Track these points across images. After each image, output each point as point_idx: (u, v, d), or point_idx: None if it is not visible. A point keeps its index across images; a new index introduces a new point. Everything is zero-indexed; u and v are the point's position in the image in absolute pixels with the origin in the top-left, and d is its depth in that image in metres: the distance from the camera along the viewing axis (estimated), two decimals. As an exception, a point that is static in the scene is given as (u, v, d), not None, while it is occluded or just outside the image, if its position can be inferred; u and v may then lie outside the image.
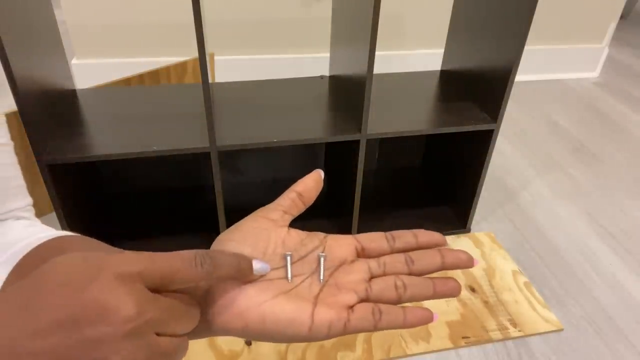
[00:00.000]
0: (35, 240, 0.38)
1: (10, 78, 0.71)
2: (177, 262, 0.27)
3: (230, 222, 0.97)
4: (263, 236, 0.34)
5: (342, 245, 0.35)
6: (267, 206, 0.36)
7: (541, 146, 1.54)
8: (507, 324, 0.93)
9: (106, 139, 0.87)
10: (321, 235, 0.36)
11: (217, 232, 0.98)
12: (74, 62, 1.64)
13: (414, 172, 1.32)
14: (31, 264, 0.36)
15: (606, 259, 1.10)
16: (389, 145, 1.28)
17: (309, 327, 0.30)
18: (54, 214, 0.87)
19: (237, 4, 1.63)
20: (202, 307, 0.31)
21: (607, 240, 1.16)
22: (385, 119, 0.98)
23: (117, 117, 0.95)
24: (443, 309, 0.95)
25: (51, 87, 0.87)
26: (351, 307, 0.32)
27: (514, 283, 1.02)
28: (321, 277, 0.33)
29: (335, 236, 0.36)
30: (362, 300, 0.32)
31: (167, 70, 1.28)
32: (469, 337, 0.90)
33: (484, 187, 1.09)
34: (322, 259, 0.34)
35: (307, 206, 0.37)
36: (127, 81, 1.21)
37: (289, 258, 0.33)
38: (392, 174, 1.31)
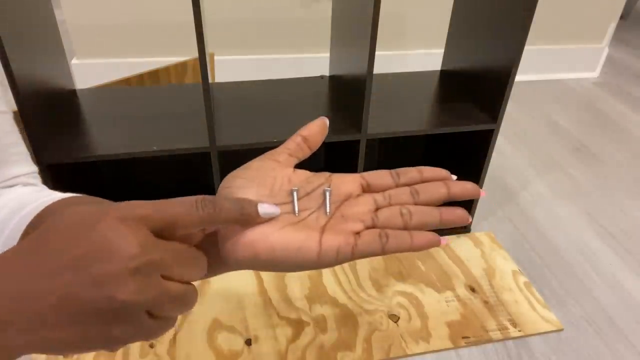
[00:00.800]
0: (42, 204, 0.38)
1: (10, 78, 0.71)
2: (178, 206, 0.28)
3: (230, 222, 0.97)
4: (269, 174, 0.35)
5: (347, 181, 0.36)
6: (273, 150, 0.38)
7: (541, 146, 1.54)
8: (507, 324, 0.93)
9: (106, 139, 0.87)
10: (327, 173, 0.37)
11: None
12: (74, 62, 1.64)
13: (414, 172, 1.32)
14: (40, 225, 0.37)
15: (606, 259, 1.10)
16: (389, 145, 1.28)
17: (318, 252, 0.31)
18: (54, 214, 0.87)
19: (237, 4, 1.63)
20: (213, 244, 0.32)
21: (607, 240, 1.16)
22: (385, 119, 0.98)
23: (117, 117, 0.95)
24: (443, 309, 0.95)
25: (51, 87, 0.87)
26: (358, 233, 0.33)
27: (514, 283, 1.02)
28: (327, 210, 0.34)
29: (340, 174, 0.37)
30: (368, 228, 0.33)
31: (167, 70, 1.28)
32: (469, 337, 0.90)
33: (484, 187, 1.09)
34: (327, 193, 0.35)
35: (312, 151, 0.38)
36: (127, 81, 1.20)
37: (295, 193, 0.34)
38: (392, 174, 1.31)
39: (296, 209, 0.34)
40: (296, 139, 0.38)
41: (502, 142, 1.54)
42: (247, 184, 0.34)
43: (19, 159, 0.44)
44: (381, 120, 0.97)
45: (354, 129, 0.93)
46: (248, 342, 0.87)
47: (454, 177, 0.37)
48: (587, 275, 1.06)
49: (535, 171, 1.41)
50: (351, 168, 1.00)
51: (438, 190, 0.36)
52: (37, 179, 0.46)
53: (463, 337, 0.90)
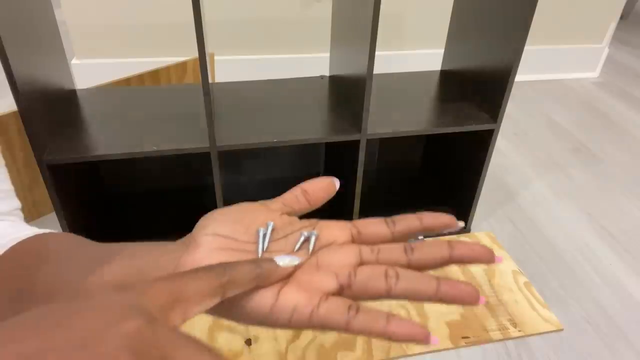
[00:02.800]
0: (12, 241, 0.36)
1: (10, 78, 0.71)
2: (189, 280, 0.24)
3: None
4: (251, 214, 0.32)
5: (334, 227, 0.32)
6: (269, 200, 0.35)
7: (541, 146, 1.54)
8: (507, 324, 0.93)
9: (106, 139, 0.87)
10: (315, 220, 0.33)
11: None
12: (74, 62, 1.64)
13: (414, 172, 1.32)
14: (7, 264, 0.35)
15: (606, 259, 1.10)
16: (389, 145, 1.28)
17: (271, 306, 0.27)
18: (54, 214, 0.87)
19: (237, 4, 1.63)
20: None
21: (607, 240, 1.16)
22: (385, 119, 0.98)
23: (117, 117, 0.95)
24: (443, 309, 0.95)
25: (51, 87, 0.87)
26: (327, 294, 0.28)
27: (514, 283, 1.02)
28: (295, 248, 0.30)
29: (330, 221, 0.33)
30: (342, 286, 0.28)
31: (167, 70, 1.28)
32: (469, 337, 0.90)
33: (484, 187, 1.09)
34: (302, 237, 0.31)
35: (313, 207, 0.35)
36: (127, 81, 1.21)
37: (260, 232, 0.31)
38: (392, 174, 1.31)
39: (259, 250, 0.30)
40: (295, 191, 0.34)
41: (502, 142, 1.54)
42: (224, 219, 0.31)
43: (2, 196, 0.43)
44: (381, 120, 0.97)
45: (354, 129, 0.93)
46: (248, 342, 0.87)
47: (461, 223, 0.31)
48: (587, 275, 1.06)
49: (535, 171, 1.41)
50: (351, 168, 1.00)
51: (438, 250, 0.29)
52: (17, 216, 0.44)
53: (463, 337, 0.90)
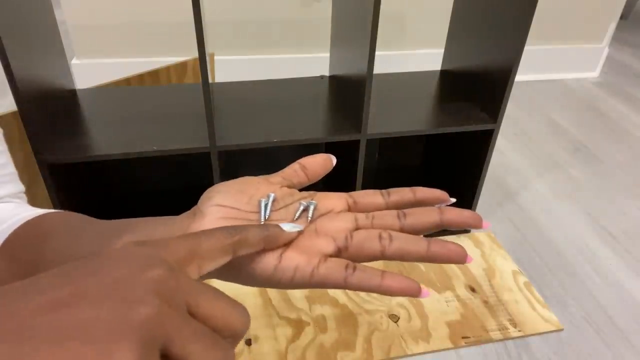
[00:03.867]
0: (20, 220, 0.38)
1: (10, 78, 0.71)
2: (203, 236, 0.26)
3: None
4: (253, 186, 0.34)
5: (332, 197, 0.34)
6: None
7: (541, 146, 1.54)
8: (507, 324, 0.93)
9: (106, 139, 0.87)
10: (313, 192, 0.35)
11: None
12: (74, 62, 1.64)
13: (414, 172, 1.32)
14: (16, 242, 0.37)
15: (606, 259, 1.10)
16: (389, 145, 1.28)
17: (275, 266, 0.29)
18: (54, 214, 0.87)
19: (237, 4, 1.63)
20: None
21: (607, 240, 1.16)
22: (385, 119, 0.98)
23: (117, 117, 0.95)
24: (443, 309, 0.95)
25: (51, 87, 0.87)
26: (325, 256, 0.30)
27: (514, 283, 1.02)
28: (295, 217, 0.32)
29: (326, 192, 0.35)
30: (339, 249, 0.30)
31: (167, 70, 1.28)
32: (469, 337, 0.90)
33: (484, 187, 1.09)
34: (301, 207, 0.33)
35: (311, 181, 0.37)
36: (127, 81, 1.20)
37: (262, 202, 0.32)
38: (392, 174, 1.31)
39: (262, 219, 0.32)
40: (294, 166, 0.37)
41: (502, 142, 1.54)
42: (227, 190, 0.33)
43: (7, 180, 0.44)
44: (381, 120, 0.97)
45: (354, 129, 0.93)
46: (248, 342, 0.87)
47: (453, 199, 0.33)
48: (587, 275, 1.06)
49: (535, 171, 1.41)
50: (351, 168, 1.00)
51: (429, 215, 0.31)
52: (22, 199, 0.45)
53: (463, 337, 0.90)
